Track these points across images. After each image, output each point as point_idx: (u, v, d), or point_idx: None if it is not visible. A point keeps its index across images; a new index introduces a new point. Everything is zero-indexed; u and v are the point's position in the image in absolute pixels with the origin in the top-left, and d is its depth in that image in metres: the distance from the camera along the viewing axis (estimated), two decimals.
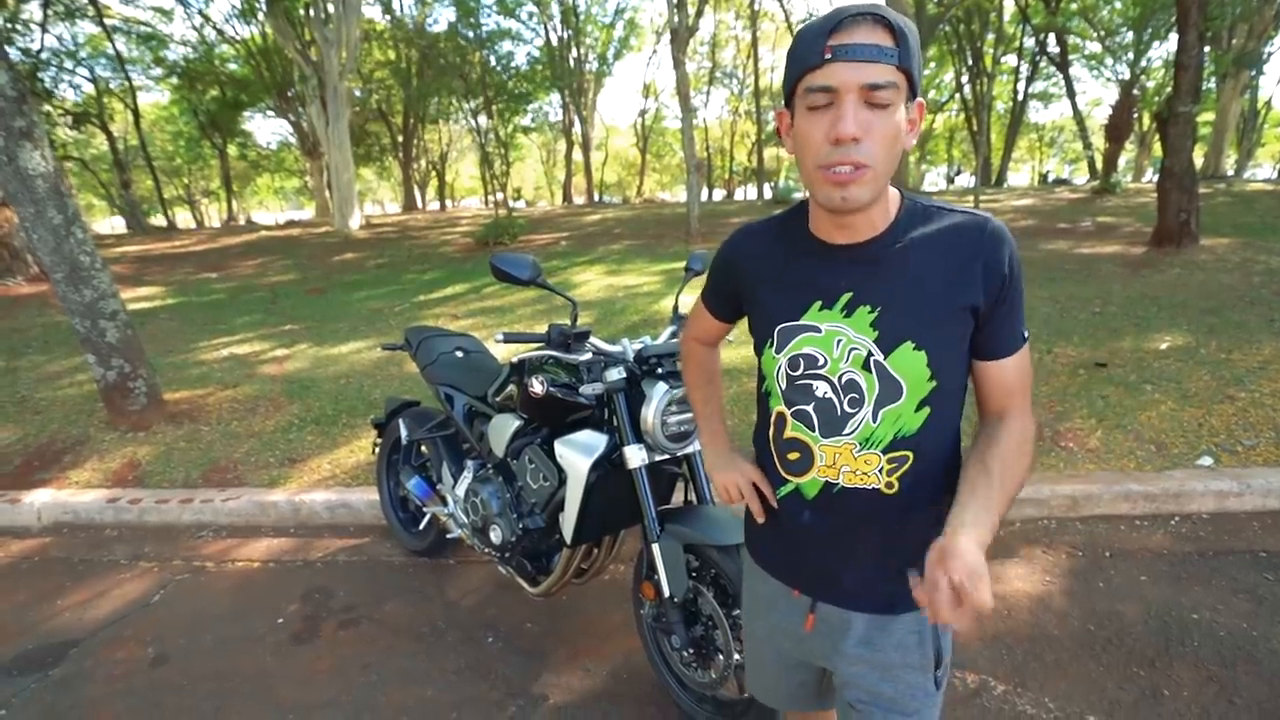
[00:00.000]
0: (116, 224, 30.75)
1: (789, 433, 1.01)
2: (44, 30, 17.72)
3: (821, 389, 0.95)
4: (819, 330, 0.95)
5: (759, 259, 1.03)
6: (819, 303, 0.95)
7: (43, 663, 2.38)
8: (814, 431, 0.97)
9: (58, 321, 7.10)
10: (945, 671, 1.04)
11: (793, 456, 1.01)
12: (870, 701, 1.03)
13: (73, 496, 3.54)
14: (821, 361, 0.95)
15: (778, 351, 0.99)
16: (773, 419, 1.04)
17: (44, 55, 18.26)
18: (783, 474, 1.03)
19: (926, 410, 0.93)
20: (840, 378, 0.94)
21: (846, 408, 0.94)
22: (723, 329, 1.22)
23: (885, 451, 0.94)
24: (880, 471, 0.94)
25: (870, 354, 0.91)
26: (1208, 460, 3.11)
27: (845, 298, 0.93)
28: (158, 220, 26.53)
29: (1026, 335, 0.96)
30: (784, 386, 0.99)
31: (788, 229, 1.01)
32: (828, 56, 0.79)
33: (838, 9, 0.81)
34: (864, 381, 0.92)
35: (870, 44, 0.78)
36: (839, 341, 0.93)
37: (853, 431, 0.94)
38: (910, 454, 0.94)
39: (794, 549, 1.07)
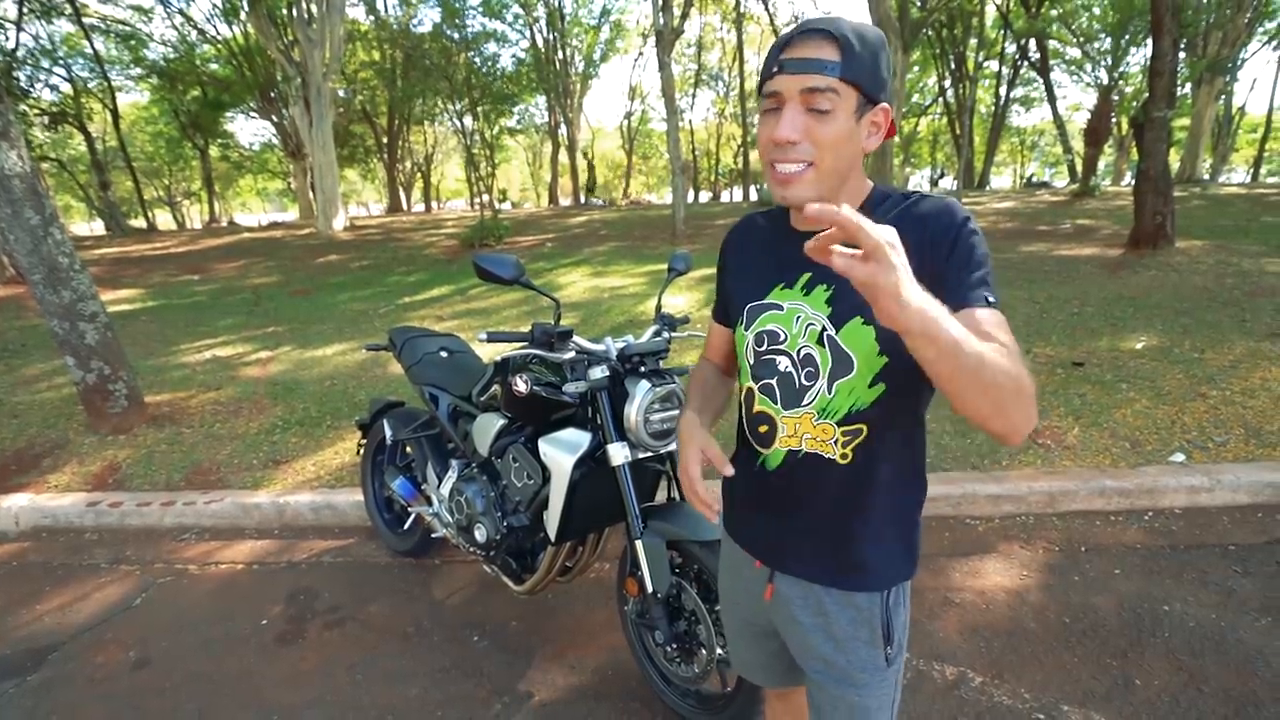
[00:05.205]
0: (95, 226, 30.28)
1: (757, 407, 1.07)
2: (19, 28, 17.43)
3: (783, 363, 1.02)
4: (781, 308, 1.02)
5: (743, 244, 1.14)
6: (781, 284, 1.03)
7: (21, 668, 2.35)
8: (777, 404, 1.03)
9: (35, 324, 7.00)
10: (898, 651, 1.08)
11: (762, 429, 1.07)
12: (824, 671, 1.08)
13: (51, 500, 3.50)
14: (782, 337, 1.02)
15: (746, 329, 1.07)
16: (743, 396, 1.11)
17: (19, 54, 17.96)
18: (756, 448, 1.09)
19: (881, 387, 0.96)
20: (798, 352, 1.00)
21: (804, 380, 1.00)
22: (727, 340, 1.21)
23: (840, 424, 0.99)
24: (835, 442, 0.99)
25: (824, 329, 0.97)
26: (1180, 457, 3.18)
27: (805, 277, 1.00)
28: (138, 222, 26.14)
29: (991, 301, 0.88)
30: (752, 362, 1.07)
31: (774, 218, 1.10)
32: (775, 70, 0.91)
33: (797, 25, 0.92)
34: (819, 356, 0.98)
35: (811, 58, 0.88)
36: (798, 318, 1.00)
37: (810, 402, 1.00)
38: (864, 427, 0.98)
39: (755, 521, 1.14)
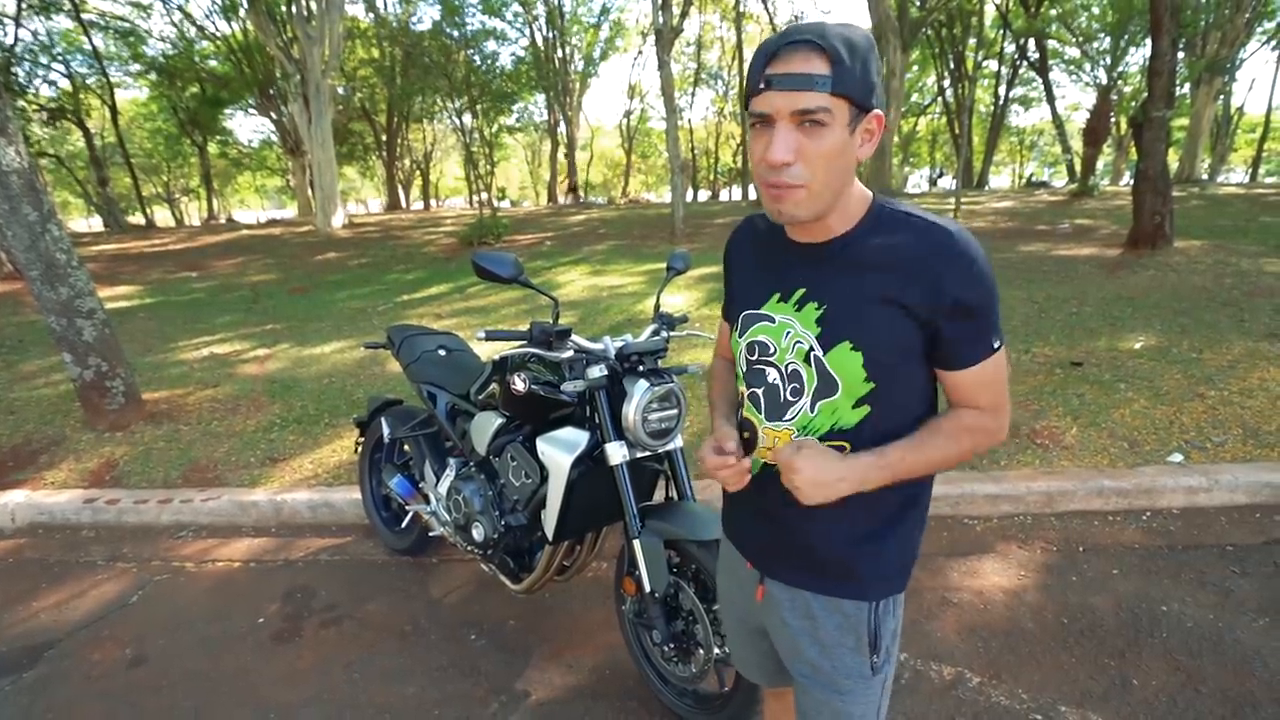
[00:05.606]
0: (94, 223, 30.20)
1: (744, 413, 1.08)
2: (17, 24, 17.38)
3: (771, 375, 1.02)
4: (773, 320, 1.02)
5: (745, 246, 1.13)
6: (777, 295, 1.02)
7: (17, 665, 2.35)
8: (760, 414, 1.05)
9: (33, 320, 6.98)
10: (885, 659, 1.06)
11: (746, 435, 1.07)
12: (810, 676, 1.08)
13: (48, 497, 3.49)
14: (771, 349, 1.01)
15: (740, 336, 1.07)
16: (741, 398, 1.12)
17: (18, 49, 17.91)
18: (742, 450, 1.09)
19: (865, 409, 0.96)
20: (786, 367, 1.00)
21: (789, 396, 1.00)
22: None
23: (821, 440, 0.98)
24: None
25: (811, 349, 0.96)
26: (1178, 457, 3.18)
27: (799, 293, 0.99)
28: (136, 219, 26.07)
29: (996, 345, 0.93)
30: (744, 369, 1.08)
31: (774, 225, 1.07)
32: (761, 86, 0.85)
33: (780, 34, 0.86)
34: (805, 374, 0.98)
35: (801, 74, 0.82)
36: (788, 333, 0.99)
37: (792, 418, 1.00)
38: (847, 445, 0.98)
39: (744, 523, 1.15)
